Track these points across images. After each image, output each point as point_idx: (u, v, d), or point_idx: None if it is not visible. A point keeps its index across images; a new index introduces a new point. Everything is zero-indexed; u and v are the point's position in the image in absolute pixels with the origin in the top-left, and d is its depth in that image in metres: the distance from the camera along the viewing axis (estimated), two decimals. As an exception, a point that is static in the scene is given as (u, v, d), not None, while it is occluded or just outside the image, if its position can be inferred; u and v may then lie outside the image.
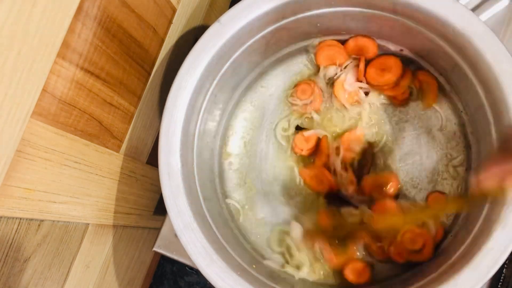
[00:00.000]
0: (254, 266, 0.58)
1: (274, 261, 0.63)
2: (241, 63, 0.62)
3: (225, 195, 0.67)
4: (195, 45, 0.56)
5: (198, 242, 0.53)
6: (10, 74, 0.37)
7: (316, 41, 0.65)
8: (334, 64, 0.65)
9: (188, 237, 0.53)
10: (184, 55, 0.55)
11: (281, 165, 0.67)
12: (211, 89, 0.60)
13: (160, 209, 0.78)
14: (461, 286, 0.48)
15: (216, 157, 0.67)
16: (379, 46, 0.63)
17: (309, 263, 0.61)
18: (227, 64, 0.60)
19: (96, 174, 0.55)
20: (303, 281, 0.62)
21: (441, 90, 0.63)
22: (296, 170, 0.66)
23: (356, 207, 0.61)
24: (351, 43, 0.64)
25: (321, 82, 0.65)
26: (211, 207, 0.60)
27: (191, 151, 0.59)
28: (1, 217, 0.42)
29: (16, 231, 0.44)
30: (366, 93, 0.65)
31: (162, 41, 0.61)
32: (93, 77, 0.49)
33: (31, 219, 0.46)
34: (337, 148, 0.63)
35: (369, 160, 0.63)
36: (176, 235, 0.53)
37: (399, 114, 0.65)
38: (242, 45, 0.59)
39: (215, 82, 0.60)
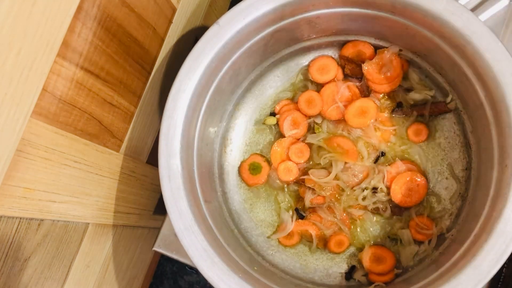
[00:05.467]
0: (255, 268, 0.58)
1: None
2: (240, 65, 0.62)
3: (226, 197, 0.67)
4: (194, 47, 0.55)
5: (199, 244, 0.53)
6: (10, 73, 0.37)
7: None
8: None
9: (189, 240, 0.53)
10: (184, 55, 0.55)
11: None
12: (210, 92, 0.60)
13: (160, 209, 0.78)
14: (463, 286, 0.48)
15: (216, 159, 0.67)
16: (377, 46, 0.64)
17: None
18: (226, 66, 0.59)
19: (96, 174, 0.55)
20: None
21: (440, 89, 0.63)
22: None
23: None
24: None
25: None
26: (212, 209, 0.60)
27: (191, 153, 0.59)
28: (1, 216, 0.42)
29: (16, 230, 0.44)
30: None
31: (162, 40, 0.61)
32: (93, 76, 0.49)
33: (31, 219, 0.46)
34: None
35: None
36: (176, 235, 0.53)
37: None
38: (241, 47, 0.59)
39: (214, 84, 0.60)
